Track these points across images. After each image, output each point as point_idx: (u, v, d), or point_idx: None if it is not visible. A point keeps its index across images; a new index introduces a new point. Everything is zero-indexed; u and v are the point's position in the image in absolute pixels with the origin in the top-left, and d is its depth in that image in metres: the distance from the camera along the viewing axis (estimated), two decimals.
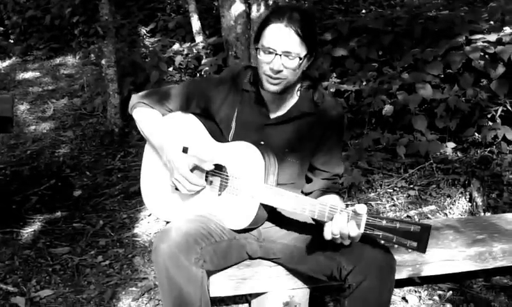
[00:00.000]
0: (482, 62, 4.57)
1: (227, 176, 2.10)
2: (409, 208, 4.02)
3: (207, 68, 5.87)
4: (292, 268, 2.21)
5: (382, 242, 1.80)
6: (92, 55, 7.41)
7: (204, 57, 6.05)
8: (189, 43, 6.33)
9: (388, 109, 4.58)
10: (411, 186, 4.26)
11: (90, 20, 7.93)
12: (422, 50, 4.86)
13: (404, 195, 4.17)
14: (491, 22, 4.98)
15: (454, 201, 4.02)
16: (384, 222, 1.75)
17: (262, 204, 2.04)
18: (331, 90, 4.83)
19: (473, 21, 5.01)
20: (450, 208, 3.98)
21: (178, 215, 2.20)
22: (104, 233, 3.71)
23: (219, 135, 2.21)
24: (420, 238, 1.70)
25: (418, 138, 4.56)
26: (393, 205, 4.05)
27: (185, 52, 6.10)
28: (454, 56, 4.67)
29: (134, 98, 2.34)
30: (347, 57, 5.37)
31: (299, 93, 2.17)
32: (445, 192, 4.11)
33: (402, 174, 4.40)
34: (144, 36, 7.37)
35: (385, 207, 4.01)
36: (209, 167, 2.10)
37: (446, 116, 4.63)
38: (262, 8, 5.31)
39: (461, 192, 4.09)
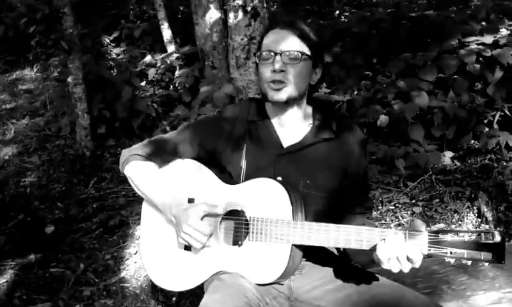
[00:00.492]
0: (477, 66, 4.37)
1: (246, 220, 1.80)
2: None
3: (182, 80, 5.47)
4: None
5: (452, 260, 1.55)
6: (53, 68, 6.85)
7: (178, 68, 5.64)
8: (161, 54, 5.89)
9: (383, 119, 4.32)
10: (414, 201, 4.02)
11: (49, 29, 7.36)
12: (414, 54, 4.63)
13: (408, 212, 3.92)
14: (483, 23, 4.79)
15: (462, 217, 3.80)
16: (449, 236, 1.52)
17: (294, 246, 1.75)
18: None
19: (464, 22, 4.80)
20: (459, 224, 3.76)
21: (194, 282, 1.88)
22: (86, 279, 3.30)
23: (229, 179, 1.92)
24: (496, 247, 1.46)
25: (415, 149, 4.32)
26: (399, 225, 3.80)
27: (158, 64, 5.67)
28: (448, 60, 4.46)
29: (126, 152, 2.03)
30: (332, 64, 5.10)
31: (312, 119, 1.96)
32: (451, 207, 3.88)
33: (402, 188, 4.15)
34: (108, 46, 6.88)
35: (391, 227, 3.75)
36: (221, 210, 1.82)
37: (442, 124, 4.41)
38: (240, 15, 4.95)
39: (468, 207, 3.87)
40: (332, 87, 4.71)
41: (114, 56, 6.36)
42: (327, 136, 1.91)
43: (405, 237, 1.57)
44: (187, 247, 1.88)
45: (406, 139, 4.43)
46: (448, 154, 4.41)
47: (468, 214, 3.81)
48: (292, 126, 1.93)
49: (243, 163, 1.90)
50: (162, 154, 1.99)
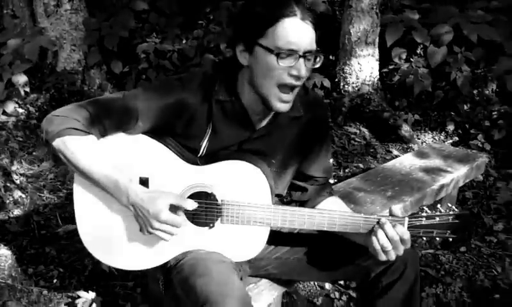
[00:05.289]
0: None
1: (218, 204, 1.71)
2: None
3: None
4: (288, 280, 2.04)
5: (424, 238, 1.76)
6: None
7: None
8: None
9: None
10: None
11: None
12: (233, 2, 4.79)
13: None
14: None
15: None
16: (424, 220, 1.70)
17: None
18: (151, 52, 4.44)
19: None
20: None
21: (156, 261, 1.77)
22: None
23: (186, 154, 1.75)
24: (459, 227, 1.70)
25: None
26: None
27: None
28: None
29: (57, 121, 1.63)
30: (150, 11, 4.95)
31: None
32: None
33: None
34: None
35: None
36: (193, 206, 1.65)
37: None
38: None
39: None
40: (159, 36, 4.59)
41: None
42: (295, 114, 1.79)
43: (392, 224, 1.65)
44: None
45: None
46: None
47: None
48: (265, 109, 1.73)
49: (205, 141, 1.73)
50: (108, 125, 1.67)
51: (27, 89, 4.22)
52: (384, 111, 4.67)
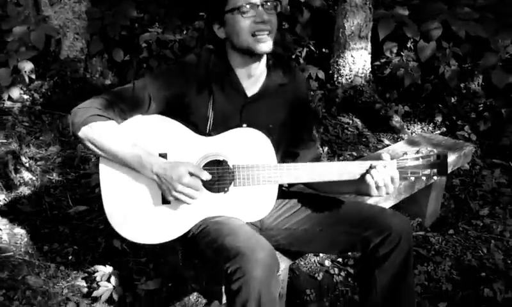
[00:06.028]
0: (288, 7, 4.93)
1: (230, 169, 1.93)
2: None
3: None
4: (296, 251, 2.21)
5: (412, 178, 1.95)
6: None
7: None
8: None
9: None
10: None
11: None
12: None
13: None
14: None
15: None
16: (409, 161, 1.92)
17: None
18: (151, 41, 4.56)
19: None
20: None
21: (178, 231, 1.95)
22: None
23: (194, 129, 1.96)
24: (440, 165, 1.92)
25: None
26: None
27: None
28: None
29: (81, 112, 1.86)
30: (149, 2, 5.08)
31: (266, 66, 2.05)
32: None
33: None
34: None
35: None
36: (207, 177, 1.87)
37: None
38: None
39: None
40: (161, 27, 4.72)
41: None
42: (281, 82, 2.06)
43: (383, 166, 1.88)
44: (165, 200, 1.91)
45: None
46: None
47: None
48: (255, 76, 2.00)
49: (210, 114, 1.96)
50: (125, 110, 1.90)
51: (33, 76, 4.33)
52: (376, 102, 4.88)
